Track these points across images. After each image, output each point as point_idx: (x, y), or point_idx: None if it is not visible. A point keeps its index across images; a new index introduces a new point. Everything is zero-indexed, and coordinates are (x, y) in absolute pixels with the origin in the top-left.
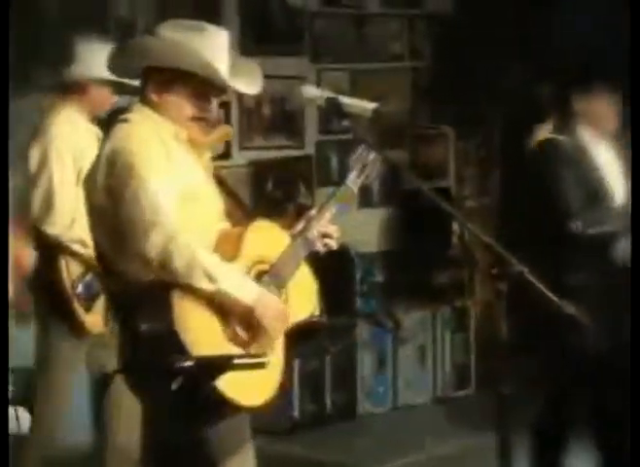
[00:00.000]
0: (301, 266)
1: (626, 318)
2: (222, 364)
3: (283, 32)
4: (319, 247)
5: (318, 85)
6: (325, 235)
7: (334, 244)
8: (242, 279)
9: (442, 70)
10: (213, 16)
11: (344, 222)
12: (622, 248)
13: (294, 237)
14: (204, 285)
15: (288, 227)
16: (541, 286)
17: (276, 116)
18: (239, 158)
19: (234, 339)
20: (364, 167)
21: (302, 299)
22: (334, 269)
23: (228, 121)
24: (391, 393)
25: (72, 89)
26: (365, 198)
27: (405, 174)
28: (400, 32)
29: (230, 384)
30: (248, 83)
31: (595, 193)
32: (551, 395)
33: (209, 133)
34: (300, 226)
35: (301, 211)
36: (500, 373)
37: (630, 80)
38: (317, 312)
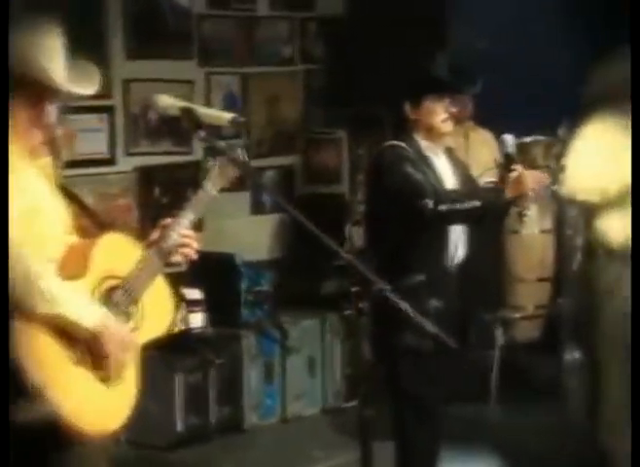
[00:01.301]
0: (156, 278)
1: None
2: None
3: (171, 34)
4: (176, 258)
5: (208, 88)
6: (183, 245)
7: (192, 254)
8: (84, 303)
9: (334, 73)
10: (96, 16)
11: (234, 229)
12: (454, 244)
13: (147, 248)
14: (43, 309)
15: None
16: (403, 305)
17: (163, 121)
18: (125, 164)
19: (81, 362)
20: (221, 173)
21: (158, 313)
22: (218, 278)
23: (112, 126)
24: (279, 405)
25: None
26: (256, 205)
27: (257, 186)
28: (290, 35)
29: (74, 411)
30: (84, 84)
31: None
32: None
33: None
34: (153, 236)
35: None
36: (362, 390)
37: (631, 80)
38: (175, 326)
